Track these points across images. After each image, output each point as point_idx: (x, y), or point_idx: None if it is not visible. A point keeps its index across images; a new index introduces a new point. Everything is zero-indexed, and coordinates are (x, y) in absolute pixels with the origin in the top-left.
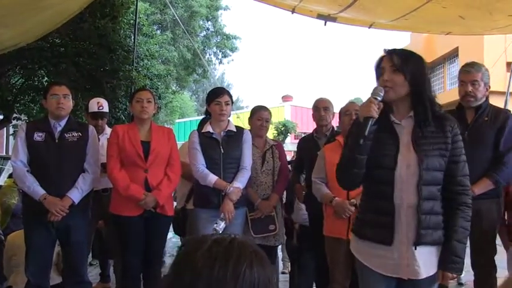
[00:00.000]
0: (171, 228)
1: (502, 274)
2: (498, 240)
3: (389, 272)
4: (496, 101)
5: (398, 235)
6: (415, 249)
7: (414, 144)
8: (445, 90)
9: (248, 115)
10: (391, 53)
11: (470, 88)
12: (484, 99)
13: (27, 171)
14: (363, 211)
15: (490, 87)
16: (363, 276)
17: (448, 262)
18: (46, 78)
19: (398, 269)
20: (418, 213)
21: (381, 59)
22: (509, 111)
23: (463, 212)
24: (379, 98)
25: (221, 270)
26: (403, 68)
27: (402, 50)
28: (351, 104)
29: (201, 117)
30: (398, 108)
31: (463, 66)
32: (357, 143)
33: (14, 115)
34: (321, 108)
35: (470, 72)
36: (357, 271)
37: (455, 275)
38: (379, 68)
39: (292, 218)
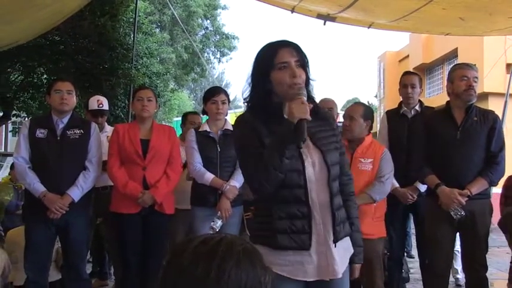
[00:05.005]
0: None
1: (492, 274)
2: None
3: (312, 276)
4: (496, 103)
5: (315, 237)
6: (335, 246)
7: (312, 140)
8: (444, 91)
9: None
10: (289, 45)
11: (473, 84)
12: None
13: (29, 167)
14: (273, 219)
15: None
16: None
17: (355, 254)
18: (45, 76)
19: (320, 272)
20: (332, 210)
21: (275, 50)
22: (494, 112)
23: (353, 201)
24: (305, 98)
25: (204, 270)
26: (304, 63)
27: (293, 42)
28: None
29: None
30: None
31: (460, 64)
32: (296, 147)
33: (13, 112)
34: (326, 108)
35: (473, 69)
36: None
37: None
38: (273, 62)
39: None
